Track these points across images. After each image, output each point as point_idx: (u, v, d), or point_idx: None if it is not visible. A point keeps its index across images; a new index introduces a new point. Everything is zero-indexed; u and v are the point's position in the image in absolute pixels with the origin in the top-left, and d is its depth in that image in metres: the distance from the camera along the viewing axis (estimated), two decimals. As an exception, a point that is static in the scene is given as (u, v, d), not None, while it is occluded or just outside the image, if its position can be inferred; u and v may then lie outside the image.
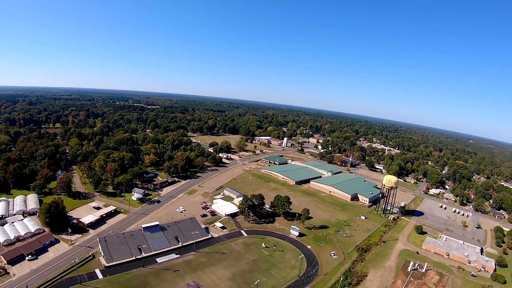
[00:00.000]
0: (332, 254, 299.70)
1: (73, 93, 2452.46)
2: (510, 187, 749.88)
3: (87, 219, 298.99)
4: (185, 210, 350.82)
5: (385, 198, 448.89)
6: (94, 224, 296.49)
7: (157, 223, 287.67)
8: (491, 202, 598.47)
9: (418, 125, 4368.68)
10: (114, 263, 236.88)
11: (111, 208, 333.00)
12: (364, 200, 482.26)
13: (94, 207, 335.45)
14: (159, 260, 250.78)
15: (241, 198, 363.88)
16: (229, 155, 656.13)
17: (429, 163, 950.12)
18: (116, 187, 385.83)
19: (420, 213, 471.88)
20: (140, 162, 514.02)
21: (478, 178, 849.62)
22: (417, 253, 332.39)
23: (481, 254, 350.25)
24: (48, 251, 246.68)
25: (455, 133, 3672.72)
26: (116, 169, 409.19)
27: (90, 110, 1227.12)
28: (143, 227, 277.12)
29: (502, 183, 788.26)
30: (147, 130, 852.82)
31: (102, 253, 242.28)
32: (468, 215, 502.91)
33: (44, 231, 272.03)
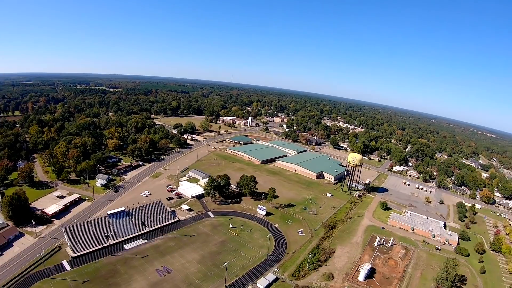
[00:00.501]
0: (300, 232, 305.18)
1: (32, 79, 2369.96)
2: (471, 164, 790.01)
3: (51, 209, 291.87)
4: (150, 194, 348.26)
5: (350, 175, 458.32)
6: (59, 214, 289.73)
7: (123, 208, 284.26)
8: (453, 178, 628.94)
9: (381, 104, 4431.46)
10: (81, 253, 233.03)
11: (75, 196, 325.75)
12: (329, 178, 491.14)
13: (58, 196, 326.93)
14: (126, 246, 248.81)
15: (206, 179, 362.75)
16: (193, 136, 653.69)
17: (393, 141, 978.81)
18: (79, 174, 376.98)
19: (384, 190, 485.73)
20: (103, 147, 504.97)
21: (440, 156, 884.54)
22: (383, 228, 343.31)
23: (445, 228, 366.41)
24: (13, 245, 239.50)
25: (417, 113, 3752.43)
26: (79, 156, 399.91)
27: (51, 95, 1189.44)
28: (109, 214, 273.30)
29: (463, 161, 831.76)
30: (110, 114, 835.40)
31: (68, 244, 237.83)
32: (431, 191, 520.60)
33: (7, 225, 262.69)
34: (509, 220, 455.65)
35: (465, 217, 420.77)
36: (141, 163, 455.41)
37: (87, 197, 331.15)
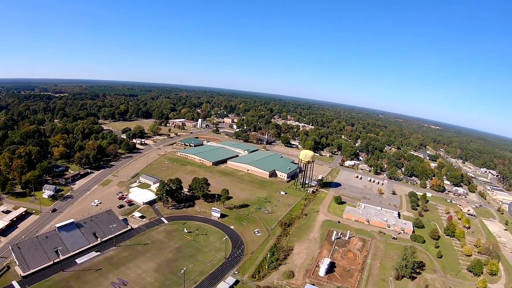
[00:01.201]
0: (256, 232, 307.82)
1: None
2: (419, 155, 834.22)
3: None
4: (100, 203, 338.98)
5: (303, 172, 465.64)
6: (5, 231, 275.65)
7: (72, 220, 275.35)
8: (403, 170, 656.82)
9: (330, 102, 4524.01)
10: (32, 271, 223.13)
11: (21, 210, 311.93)
12: (282, 176, 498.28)
13: (3, 211, 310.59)
14: (78, 260, 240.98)
15: (158, 184, 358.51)
16: (143, 140, 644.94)
17: (343, 137, 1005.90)
18: (25, 186, 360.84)
19: (337, 184, 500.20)
20: (49, 155, 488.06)
21: (390, 149, 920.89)
22: (339, 222, 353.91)
23: (399, 218, 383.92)
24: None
25: (365, 109, 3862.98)
26: (23, 166, 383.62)
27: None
28: (57, 227, 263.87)
29: (412, 153, 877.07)
30: (56, 120, 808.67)
31: (17, 262, 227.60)
32: (383, 183, 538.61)
33: None
34: (459, 205, 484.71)
35: (418, 205, 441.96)
36: (89, 171, 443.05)
37: (34, 210, 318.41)
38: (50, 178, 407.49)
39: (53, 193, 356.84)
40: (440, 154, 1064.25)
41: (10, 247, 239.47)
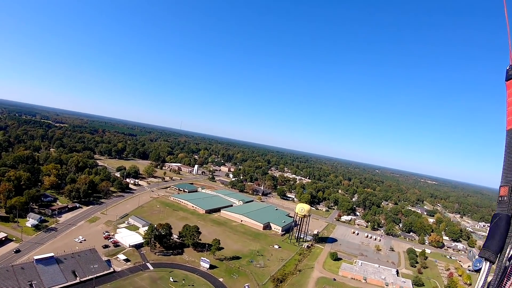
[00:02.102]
0: (246, 287, 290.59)
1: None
2: (417, 211, 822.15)
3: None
4: (85, 240, 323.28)
5: (298, 226, 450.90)
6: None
7: (52, 254, 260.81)
8: (400, 225, 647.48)
9: (327, 156, 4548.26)
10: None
11: (1, 235, 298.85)
12: (276, 229, 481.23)
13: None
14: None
15: (146, 228, 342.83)
16: (137, 181, 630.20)
17: (340, 191, 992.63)
18: (9, 211, 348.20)
19: (333, 240, 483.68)
20: (39, 183, 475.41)
21: (387, 204, 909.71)
22: (334, 280, 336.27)
23: (397, 275, 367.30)
24: None
25: (362, 164, 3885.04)
26: (11, 190, 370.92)
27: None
28: (36, 259, 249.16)
29: (409, 208, 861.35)
30: (52, 149, 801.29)
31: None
32: (380, 239, 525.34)
33: None
34: (459, 261, 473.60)
35: (417, 262, 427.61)
36: (78, 205, 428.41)
37: (15, 238, 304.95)
38: (36, 207, 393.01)
39: (37, 222, 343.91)
40: (438, 209, 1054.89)
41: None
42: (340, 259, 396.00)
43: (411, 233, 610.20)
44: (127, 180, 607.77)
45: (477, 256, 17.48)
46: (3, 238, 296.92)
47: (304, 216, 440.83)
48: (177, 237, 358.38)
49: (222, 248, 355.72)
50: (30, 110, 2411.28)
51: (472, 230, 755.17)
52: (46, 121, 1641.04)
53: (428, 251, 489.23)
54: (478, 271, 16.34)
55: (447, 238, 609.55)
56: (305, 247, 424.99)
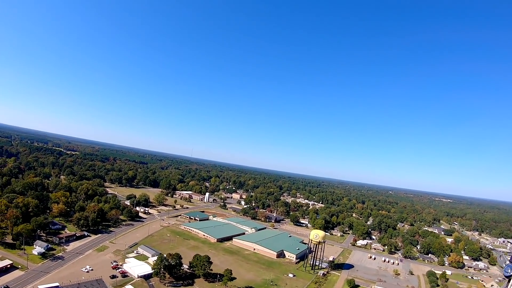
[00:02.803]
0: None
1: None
2: (434, 231, 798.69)
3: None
4: (92, 269, 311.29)
5: (313, 253, 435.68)
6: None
7: (57, 284, 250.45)
8: (418, 247, 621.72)
9: (339, 179, 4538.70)
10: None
11: (6, 262, 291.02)
12: (291, 256, 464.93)
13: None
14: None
15: (156, 258, 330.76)
16: (147, 209, 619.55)
17: (354, 215, 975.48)
18: (16, 238, 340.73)
19: (350, 266, 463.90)
20: (48, 211, 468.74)
21: (403, 226, 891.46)
22: None
23: None
24: None
25: (375, 186, 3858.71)
26: (18, 217, 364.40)
27: (4, 148, 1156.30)
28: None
29: (426, 228, 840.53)
30: (62, 177, 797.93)
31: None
32: (398, 263, 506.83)
33: None
34: (482, 281, 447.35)
35: (438, 285, 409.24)
36: (86, 233, 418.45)
37: (20, 265, 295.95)
38: (44, 235, 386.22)
39: (44, 250, 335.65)
40: (455, 227, 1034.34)
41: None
42: (357, 286, 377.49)
43: (429, 254, 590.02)
44: (137, 208, 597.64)
45: (508, 262, 11.40)
46: (8, 266, 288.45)
47: (319, 242, 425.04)
48: (187, 267, 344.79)
49: (235, 278, 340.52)
50: (43, 138, 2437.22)
51: (492, 247, 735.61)
52: (57, 148, 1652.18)
53: (448, 272, 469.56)
54: (509, 277, 10.59)
55: (467, 257, 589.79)
56: (321, 274, 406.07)
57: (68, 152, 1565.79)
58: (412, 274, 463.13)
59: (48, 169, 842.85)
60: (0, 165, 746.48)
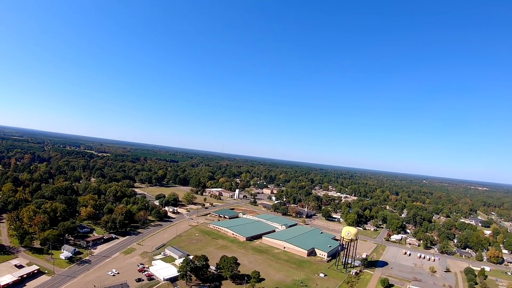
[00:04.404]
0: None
1: (25, 134, 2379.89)
2: (471, 223, 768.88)
3: (4, 279, 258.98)
4: (118, 273, 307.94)
5: (345, 250, 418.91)
6: (12, 287, 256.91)
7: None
8: (455, 241, 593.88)
9: (372, 170, 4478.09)
10: None
11: (33, 268, 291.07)
12: (322, 254, 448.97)
13: (16, 265, 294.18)
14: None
15: (183, 259, 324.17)
16: (175, 208, 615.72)
17: (387, 207, 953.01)
18: (43, 243, 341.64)
19: (384, 263, 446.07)
20: (76, 214, 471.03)
21: (438, 218, 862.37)
22: None
23: None
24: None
25: (408, 175, 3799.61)
26: (45, 222, 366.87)
27: (37, 153, 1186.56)
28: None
29: (463, 220, 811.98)
30: (92, 179, 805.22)
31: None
32: (434, 259, 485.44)
33: None
34: None
35: (476, 283, 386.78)
36: (114, 236, 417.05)
37: (47, 271, 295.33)
38: (72, 239, 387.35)
39: (71, 255, 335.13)
40: (493, 218, 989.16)
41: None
42: (392, 285, 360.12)
43: (467, 249, 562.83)
44: (166, 208, 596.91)
45: None
46: (35, 271, 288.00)
47: (351, 240, 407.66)
48: (214, 268, 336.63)
49: (263, 279, 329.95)
50: (75, 141, 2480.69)
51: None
52: (89, 151, 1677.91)
53: (487, 268, 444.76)
54: None
55: (506, 251, 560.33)
56: (353, 273, 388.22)
57: (100, 154, 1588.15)
58: (449, 271, 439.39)
59: (79, 172, 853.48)
60: (32, 171, 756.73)
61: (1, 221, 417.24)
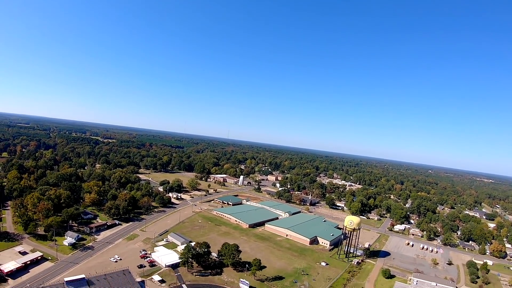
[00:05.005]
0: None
1: (31, 121, 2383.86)
2: (475, 215, 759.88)
3: (8, 266, 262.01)
4: (120, 259, 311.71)
5: (348, 239, 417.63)
6: (15, 273, 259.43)
7: (83, 276, 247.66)
8: (459, 233, 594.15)
9: (378, 158, 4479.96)
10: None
11: (37, 254, 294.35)
12: (324, 243, 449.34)
13: (20, 252, 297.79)
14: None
15: (185, 245, 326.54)
16: (179, 194, 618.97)
17: (392, 197, 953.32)
18: (47, 229, 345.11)
19: (386, 254, 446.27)
20: (81, 201, 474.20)
21: (443, 209, 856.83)
22: None
23: None
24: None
25: (414, 164, 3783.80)
26: (49, 209, 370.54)
27: (42, 140, 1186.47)
28: (66, 281, 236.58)
29: (467, 212, 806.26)
30: (97, 165, 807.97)
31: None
32: (437, 251, 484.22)
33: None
34: None
35: (478, 277, 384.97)
36: (117, 222, 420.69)
37: (50, 257, 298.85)
38: (76, 225, 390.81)
39: (74, 241, 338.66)
40: (497, 211, 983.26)
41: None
42: (393, 276, 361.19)
43: (470, 242, 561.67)
44: (170, 194, 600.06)
45: None
46: (39, 258, 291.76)
47: (354, 229, 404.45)
48: (216, 255, 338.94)
49: (264, 267, 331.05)
50: (81, 128, 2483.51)
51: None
52: (95, 137, 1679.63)
53: (490, 262, 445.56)
54: None
55: (509, 246, 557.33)
56: (355, 263, 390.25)
57: (105, 140, 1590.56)
58: (451, 264, 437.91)
59: (84, 159, 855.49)
60: (37, 158, 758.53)
61: (6, 208, 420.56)
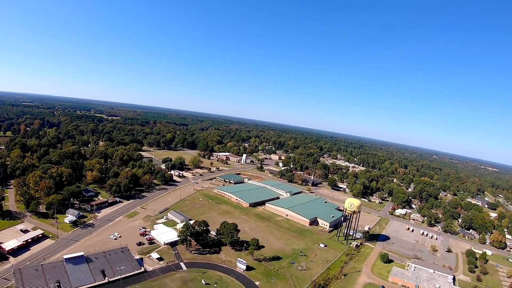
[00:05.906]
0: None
1: (36, 100, 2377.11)
2: (477, 203, 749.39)
3: (9, 244, 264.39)
4: (120, 236, 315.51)
5: (347, 221, 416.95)
6: (17, 251, 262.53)
7: (82, 253, 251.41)
8: (459, 221, 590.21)
9: (383, 140, 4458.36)
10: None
11: (38, 232, 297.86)
12: (324, 224, 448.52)
13: (21, 230, 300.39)
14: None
15: (183, 224, 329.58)
16: (181, 172, 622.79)
17: (395, 180, 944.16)
18: (49, 207, 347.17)
19: (386, 238, 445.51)
20: (83, 178, 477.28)
21: (445, 196, 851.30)
22: (383, 287, 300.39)
23: (454, 284, 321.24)
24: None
25: (419, 149, 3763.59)
26: (51, 187, 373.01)
27: (46, 118, 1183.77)
28: (65, 258, 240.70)
29: (470, 200, 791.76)
30: (100, 143, 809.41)
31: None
32: (437, 238, 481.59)
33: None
34: None
35: (476, 267, 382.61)
36: (118, 199, 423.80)
37: (51, 235, 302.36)
38: (77, 202, 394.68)
39: (75, 218, 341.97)
40: (500, 201, 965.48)
41: (12, 271, 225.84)
42: (391, 261, 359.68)
43: (470, 230, 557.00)
44: (172, 172, 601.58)
45: None
46: (40, 235, 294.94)
47: (354, 212, 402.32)
48: (215, 234, 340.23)
49: (263, 246, 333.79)
50: (86, 105, 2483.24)
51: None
52: (99, 115, 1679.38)
53: (489, 252, 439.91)
54: None
55: (510, 236, 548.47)
56: (354, 246, 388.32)
57: (109, 118, 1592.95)
58: (450, 251, 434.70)
59: (87, 136, 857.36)
60: (40, 136, 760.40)
61: (9, 187, 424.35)
